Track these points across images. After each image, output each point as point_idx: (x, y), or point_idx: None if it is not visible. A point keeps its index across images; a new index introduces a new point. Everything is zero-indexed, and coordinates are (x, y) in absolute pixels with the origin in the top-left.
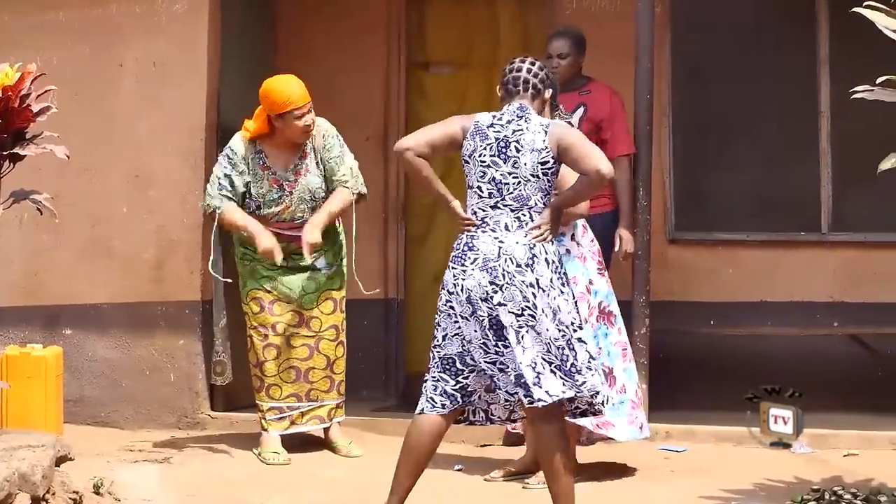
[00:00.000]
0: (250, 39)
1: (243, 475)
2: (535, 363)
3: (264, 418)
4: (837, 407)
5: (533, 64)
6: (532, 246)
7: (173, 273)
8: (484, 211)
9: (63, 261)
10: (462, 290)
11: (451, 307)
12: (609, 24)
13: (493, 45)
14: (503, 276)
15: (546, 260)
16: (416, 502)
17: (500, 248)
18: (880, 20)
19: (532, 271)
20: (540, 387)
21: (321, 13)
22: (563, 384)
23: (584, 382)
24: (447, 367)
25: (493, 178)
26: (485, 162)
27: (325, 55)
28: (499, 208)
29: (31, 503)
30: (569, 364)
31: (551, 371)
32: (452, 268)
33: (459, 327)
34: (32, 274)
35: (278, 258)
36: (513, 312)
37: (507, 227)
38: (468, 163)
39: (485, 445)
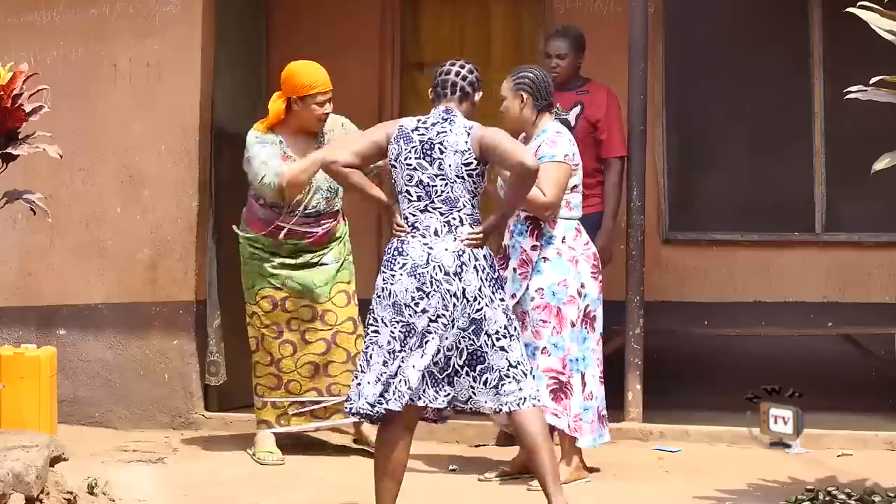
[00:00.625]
0: (244, 39)
1: (237, 475)
2: (426, 369)
3: (285, 414)
4: (831, 407)
5: (463, 67)
6: (461, 253)
7: (167, 273)
8: (414, 216)
9: (57, 261)
10: (389, 294)
11: (373, 311)
12: (602, 25)
13: (487, 45)
14: (430, 283)
15: (475, 267)
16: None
17: (429, 254)
18: (874, 20)
19: (459, 280)
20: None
21: (315, 13)
22: (442, 394)
23: (473, 397)
24: (356, 368)
25: (421, 181)
26: (411, 165)
27: (319, 55)
28: (428, 212)
29: (26, 503)
30: (453, 372)
31: (434, 380)
32: (382, 272)
33: (376, 331)
34: (26, 274)
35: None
36: (429, 318)
37: (436, 233)
38: (395, 167)
39: (479, 446)
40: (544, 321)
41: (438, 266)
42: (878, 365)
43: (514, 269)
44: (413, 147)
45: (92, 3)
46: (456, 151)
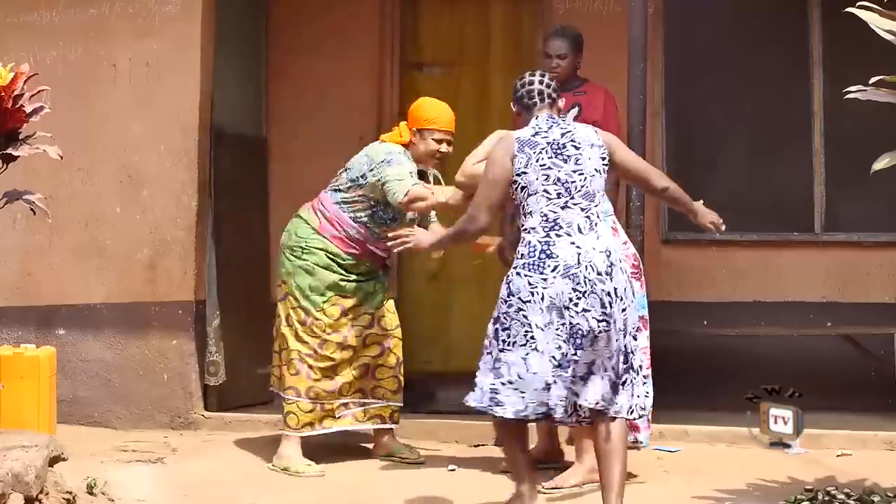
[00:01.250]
0: (244, 39)
1: (236, 475)
2: (602, 368)
3: (332, 416)
4: (830, 407)
5: (543, 76)
6: (609, 253)
7: (167, 273)
8: (554, 213)
9: (57, 261)
10: (542, 298)
11: (525, 316)
12: (601, 25)
13: (486, 45)
14: (584, 282)
15: (621, 269)
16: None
17: (578, 254)
18: (873, 20)
19: (610, 279)
20: (614, 394)
21: (315, 13)
22: (613, 392)
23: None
24: (504, 376)
25: (559, 179)
26: (545, 165)
27: (319, 55)
28: (569, 208)
29: (25, 503)
30: (621, 371)
31: (608, 379)
32: (527, 275)
33: (533, 337)
34: (26, 274)
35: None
36: (595, 318)
37: (580, 229)
38: (525, 173)
39: (478, 445)
40: None
41: (590, 265)
42: (878, 365)
43: None
44: (542, 149)
45: (91, 2)
46: (592, 145)
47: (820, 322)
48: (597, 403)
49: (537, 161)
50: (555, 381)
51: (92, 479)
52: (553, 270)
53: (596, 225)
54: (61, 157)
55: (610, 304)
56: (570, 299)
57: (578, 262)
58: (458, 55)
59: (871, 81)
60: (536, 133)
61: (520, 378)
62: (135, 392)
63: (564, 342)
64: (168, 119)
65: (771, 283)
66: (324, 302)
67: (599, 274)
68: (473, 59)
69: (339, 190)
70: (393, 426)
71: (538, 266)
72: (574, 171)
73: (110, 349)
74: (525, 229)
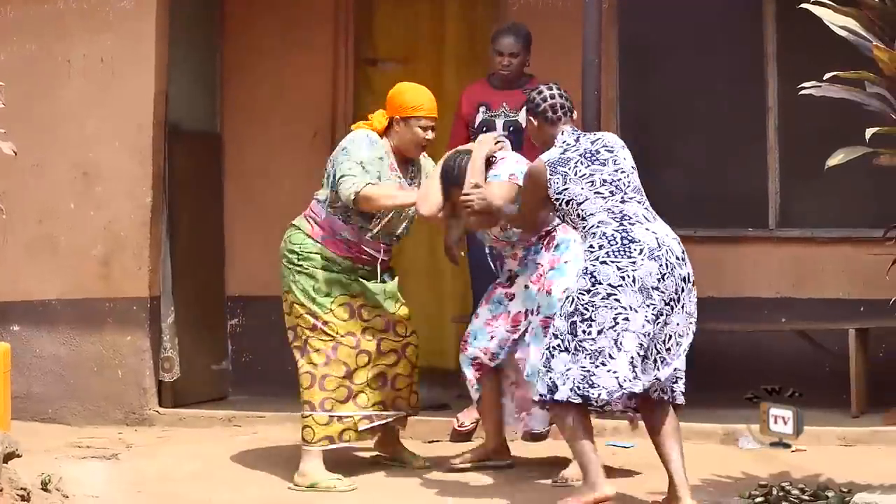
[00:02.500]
0: (198, 34)
1: (190, 471)
2: (668, 350)
3: (356, 429)
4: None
5: (559, 89)
6: (679, 241)
7: (121, 269)
8: (618, 207)
9: (10, 257)
10: (634, 280)
11: (617, 300)
12: (555, 21)
13: (440, 40)
14: (666, 265)
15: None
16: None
17: (656, 238)
18: (827, 16)
19: (686, 265)
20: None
21: (270, 8)
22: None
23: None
24: (595, 358)
25: (604, 181)
26: (585, 175)
27: (274, 50)
28: (627, 202)
29: None
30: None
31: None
32: (614, 261)
33: (626, 318)
34: None
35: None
36: (664, 300)
37: (647, 219)
38: (566, 189)
39: (432, 441)
40: None
41: (669, 249)
42: (832, 361)
43: (527, 286)
44: (576, 162)
45: None
46: (623, 147)
47: (774, 318)
48: (667, 382)
49: (575, 174)
50: (643, 361)
51: (46, 476)
52: (640, 253)
53: (655, 216)
54: (15, 153)
55: (682, 289)
56: (659, 279)
57: (659, 246)
58: (413, 50)
59: (825, 77)
60: (566, 150)
61: (611, 358)
62: (89, 388)
63: (649, 322)
64: (123, 115)
65: (725, 279)
66: (331, 302)
67: (678, 258)
68: (428, 54)
69: (322, 193)
70: (397, 432)
71: (624, 251)
72: (616, 171)
73: (64, 345)
74: (590, 228)
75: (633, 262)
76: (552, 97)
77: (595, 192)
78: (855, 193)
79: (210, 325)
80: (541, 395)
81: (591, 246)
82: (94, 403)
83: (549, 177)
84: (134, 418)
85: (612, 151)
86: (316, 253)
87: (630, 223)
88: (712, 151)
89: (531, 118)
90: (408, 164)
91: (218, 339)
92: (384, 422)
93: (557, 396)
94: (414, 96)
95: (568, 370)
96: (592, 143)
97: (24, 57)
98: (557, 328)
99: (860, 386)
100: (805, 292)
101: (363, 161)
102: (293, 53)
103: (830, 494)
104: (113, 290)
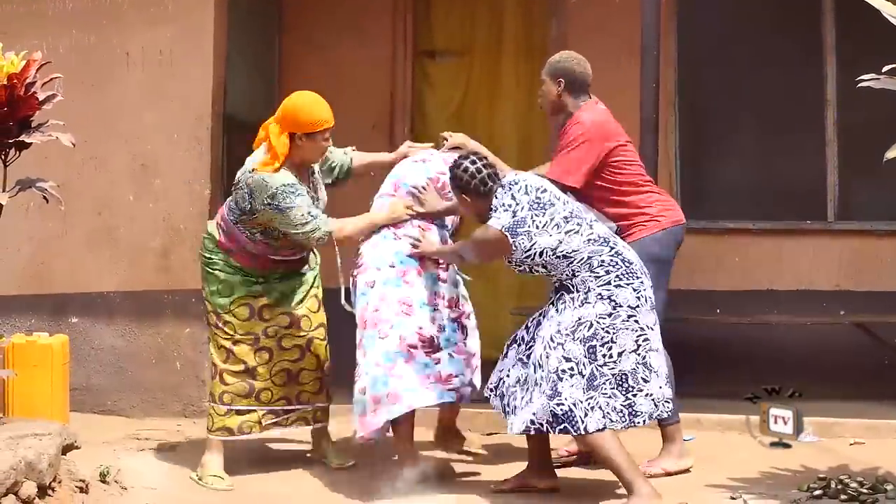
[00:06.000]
0: (256, 27)
1: (246, 462)
2: None
3: (259, 423)
4: (843, 396)
5: (479, 158)
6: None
7: (179, 261)
8: (591, 233)
9: (70, 249)
10: (646, 300)
11: (636, 321)
12: (614, 13)
13: (498, 33)
14: (647, 280)
15: None
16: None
17: (635, 256)
18: (886, 9)
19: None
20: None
21: (328, 1)
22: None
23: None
24: (620, 383)
25: (565, 217)
26: (546, 223)
27: (331, 43)
28: (592, 225)
29: (38, 491)
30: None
31: None
32: (629, 283)
33: (646, 339)
34: (39, 262)
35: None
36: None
37: (614, 235)
38: (535, 242)
39: (490, 434)
40: None
41: (642, 266)
42: (890, 353)
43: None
44: (530, 218)
45: None
46: (548, 183)
47: (833, 310)
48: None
49: (537, 227)
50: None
51: (105, 468)
52: (642, 273)
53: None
54: (74, 145)
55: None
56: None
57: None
58: (470, 43)
59: (884, 70)
60: (514, 213)
61: (646, 382)
62: (147, 380)
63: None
64: (180, 107)
65: (784, 271)
66: (230, 303)
67: (645, 273)
68: (485, 46)
69: (233, 211)
70: (319, 425)
71: (629, 273)
72: (564, 205)
73: (123, 337)
74: (583, 261)
75: (642, 283)
76: (479, 171)
77: (566, 232)
78: None
79: None
80: (564, 425)
81: (597, 274)
82: (152, 395)
83: (512, 240)
84: (192, 410)
85: (546, 191)
86: (223, 261)
87: (614, 243)
88: (771, 144)
89: (464, 196)
90: (305, 170)
91: None
92: (287, 416)
93: (590, 427)
94: (315, 112)
95: (590, 398)
96: (526, 193)
97: (83, 49)
98: (569, 352)
99: None
100: (863, 285)
101: (306, 211)
102: (350, 46)
103: (889, 487)
104: (171, 282)
